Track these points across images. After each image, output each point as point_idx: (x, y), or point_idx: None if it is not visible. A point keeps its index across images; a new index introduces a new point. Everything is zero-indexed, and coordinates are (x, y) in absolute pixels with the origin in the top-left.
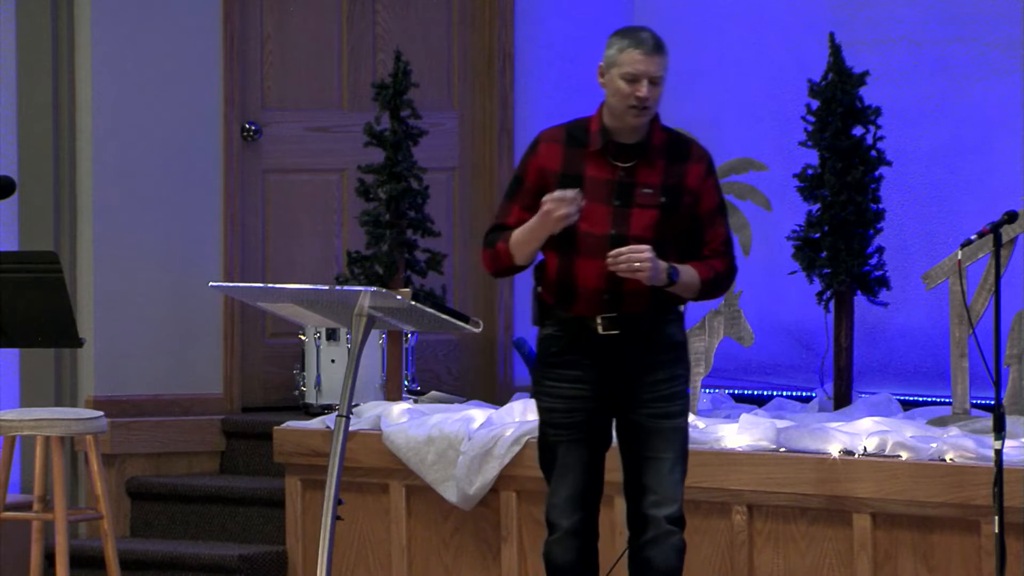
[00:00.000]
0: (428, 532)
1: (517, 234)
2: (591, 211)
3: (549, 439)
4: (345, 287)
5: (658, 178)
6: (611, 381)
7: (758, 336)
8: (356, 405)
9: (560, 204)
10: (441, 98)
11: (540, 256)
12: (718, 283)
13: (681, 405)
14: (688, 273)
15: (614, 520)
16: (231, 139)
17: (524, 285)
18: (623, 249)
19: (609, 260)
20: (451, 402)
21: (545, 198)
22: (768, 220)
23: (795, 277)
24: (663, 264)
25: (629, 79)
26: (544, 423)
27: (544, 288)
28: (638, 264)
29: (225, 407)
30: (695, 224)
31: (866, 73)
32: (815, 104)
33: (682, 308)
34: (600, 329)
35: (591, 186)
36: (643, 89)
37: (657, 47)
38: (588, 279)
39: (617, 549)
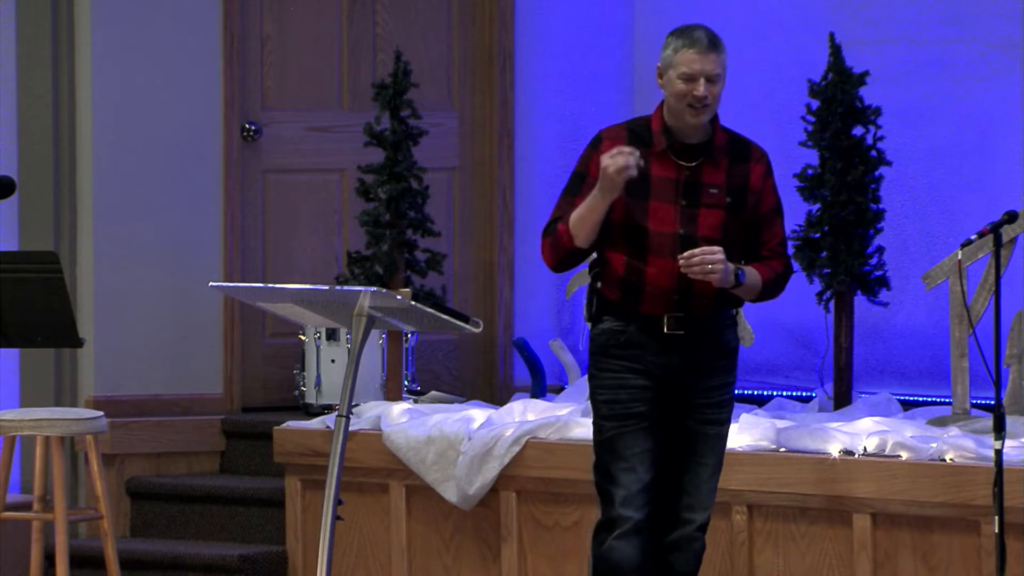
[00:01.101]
0: (428, 532)
1: (578, 209)
2: (658, 210)
3: (609, 432)
4: (345, 287)
5: (722, 178)
6: (669, 380)
7: (758, 336)
8: (356, 405)
9: (617, 157)
10: (441, 98)
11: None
12: (776, 284)
13: (727, 413)
14: (752, 275)
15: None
16: (231, 139)
17: (524, 285)
18: (696, 251)
19: (682, 262)
20: (451, 402)
21: (602, 158)
22: None
23: (795, 277)
24: (731, 266)
25: (686, 79)
26: (603, 418)
27: (606, 285)
28: (710, 266)
29: (225, 407)
30: (755, 224)
31: (866, 73)
32: (815, 104)
33: (736, 312)
34: (666, 328)
35: (657, 185)
36: (700, 88)
37: (712, 44)
38: (658, 279)
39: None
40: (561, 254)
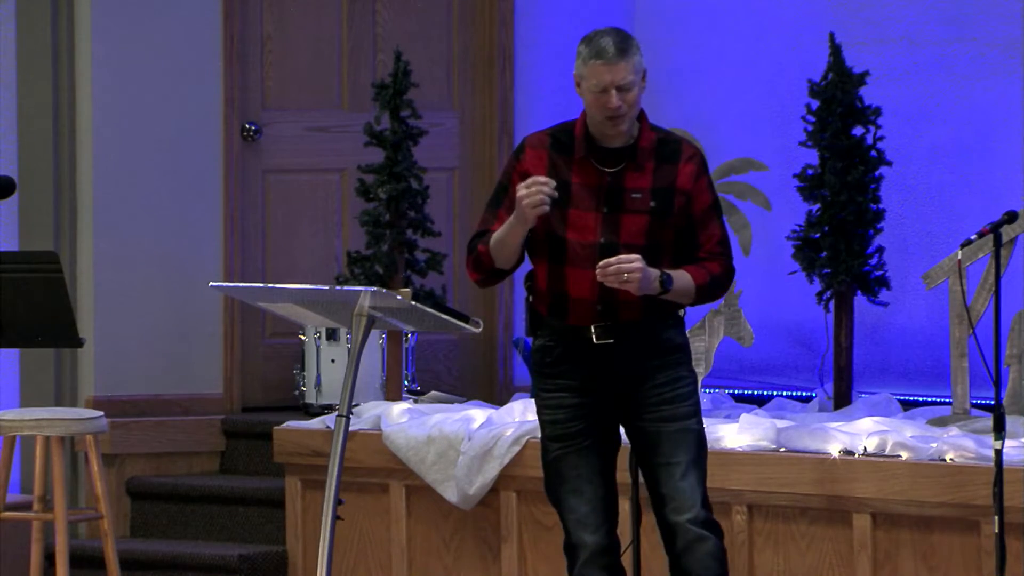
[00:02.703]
0: (428, 532)
1: (496, 234)
2: (579, 219)
3: (554, 454)
4: (345, 287)
5: (647, 181)
6: (611, 389)
7: (758, 336)
8: (356, 405)
9: (532, 192)
10: (441, 98)
11: (529, 265)
12: (715, 286)
13: (688, 407)
14: (682, 279)
15: None
16: (231, 139)
17: None
18: (612, 260)
19: (598, 271)
20: (451, 402)
21: (518, 186)
22: (768, 220)
23: (795, 277)
24: (654, 272)
25: (597, 91)
26: (547, 439)
27: (536, 299)
28: (626, 276)
29: (225, 407)
30: (689, 226)
31: (866, 73)
32: (815, 104)
33: (682, 312)
34: (595, 339)
35: (578, 193)
36: (612, 100)
37: (620, 51)
38: (580, 289)
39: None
40: (483, 274)
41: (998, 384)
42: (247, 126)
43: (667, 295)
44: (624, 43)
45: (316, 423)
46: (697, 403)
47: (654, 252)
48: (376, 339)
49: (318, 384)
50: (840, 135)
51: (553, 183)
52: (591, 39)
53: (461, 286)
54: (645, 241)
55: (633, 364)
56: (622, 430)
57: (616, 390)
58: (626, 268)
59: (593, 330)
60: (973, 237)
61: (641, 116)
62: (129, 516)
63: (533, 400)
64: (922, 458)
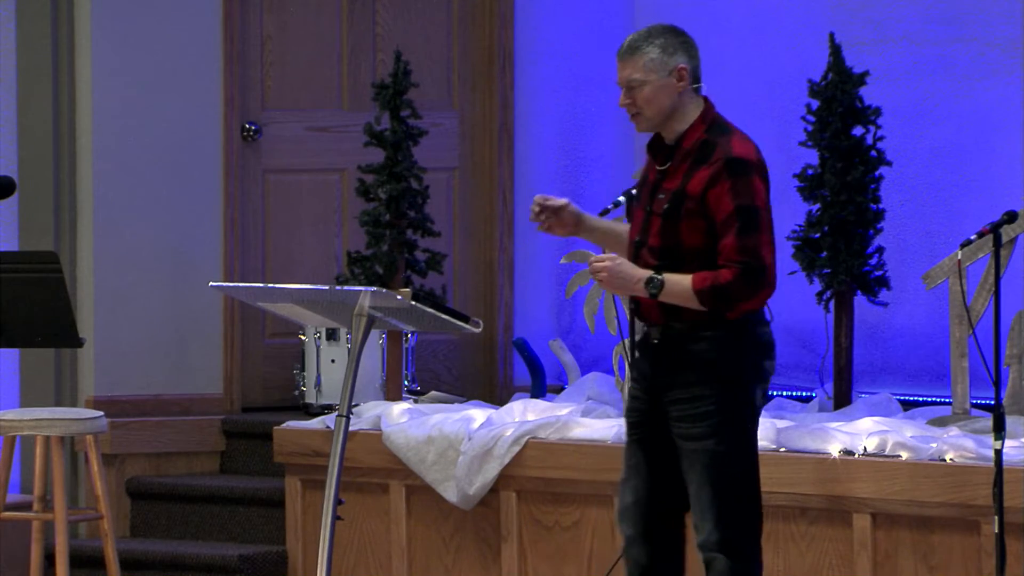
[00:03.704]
0: (428, 532)
1: None
2: (635, 217)
3: (624, 440)
4: (345, 287)
5: (676, 183)
6: (650, 390)
7: None
8: (356, 405)
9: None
10: (441, 98)
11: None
12: (720, 294)
13: (703, 427)
14: (676, 284)
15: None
16: (231, 139)
17: (524, 285)
18: (592, 257)
19: None
20: (451, 402)
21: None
22: None
23: (795, 277)
24: (639, 274)
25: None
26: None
27: None
28: (596, 276)
29: (225, 407)
30: (713, 231)
31: (866, 73)
32: (815, 104)
33: (731, 325)
34: (651, 337)
35: (642, 192)
36: (621, 98)
37: (629, 50)
38: None
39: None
40: None
41: (998, 384)
42: (247, 126)
43: (662, 298)
44: (638, 40)
45: (316, 423)
46: (721, 424)
47: (672, 255)
48: (376, 339)
49: (318, 384)
50: (840, 135)
51: (539, 201)
52: None
53: (461, 286)
54: (661, 243)
55: (663, 371)
56: None
57: (653, 392)
58: (596, 267)
59: (649, 329)
60: (973, 237)
61: (701, 114)
62: (129, 516)
63: (535, 400)
64: (922, 458)
